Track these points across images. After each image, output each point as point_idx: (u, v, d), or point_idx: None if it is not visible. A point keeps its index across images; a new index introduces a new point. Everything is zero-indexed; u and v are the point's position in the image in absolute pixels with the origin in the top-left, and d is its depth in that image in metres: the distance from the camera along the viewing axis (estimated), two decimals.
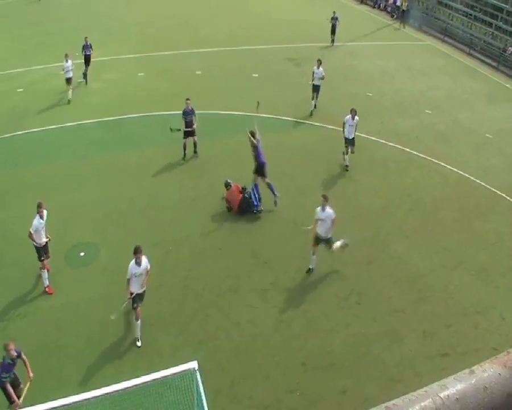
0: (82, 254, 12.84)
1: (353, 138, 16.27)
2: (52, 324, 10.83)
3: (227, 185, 14.44)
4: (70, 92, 20.56)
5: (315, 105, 20.23)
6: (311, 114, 20.16)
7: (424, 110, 21.45)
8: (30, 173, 16.01)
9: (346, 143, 16.36)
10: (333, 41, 28.91)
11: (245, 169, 15.67)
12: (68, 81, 20.44)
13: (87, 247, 13.01)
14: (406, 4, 35.21)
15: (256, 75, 23.76)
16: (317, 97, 20.08)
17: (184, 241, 13.21)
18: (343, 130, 16.24)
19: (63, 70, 20.35)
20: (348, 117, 16.12)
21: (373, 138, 18.62)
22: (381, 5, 39.33)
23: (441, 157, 17.64)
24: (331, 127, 19.05)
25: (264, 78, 23.55)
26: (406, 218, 14.54)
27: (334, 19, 28.67)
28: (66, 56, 20.11)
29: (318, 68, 19.63)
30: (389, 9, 38.60)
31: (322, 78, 19.59)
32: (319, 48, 28.65)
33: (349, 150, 16.40)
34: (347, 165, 16.57)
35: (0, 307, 10.97)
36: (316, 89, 19.97)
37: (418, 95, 23.00)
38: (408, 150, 17.99)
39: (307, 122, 19.46)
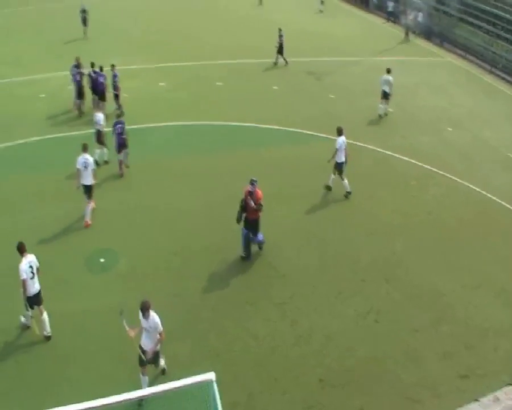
0: (102, 260, 12.94)
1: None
2: (71, 329, 10.90)
3: (253, 182, 12.58)
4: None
5: (383, 113, 21.71)
6: (381, 116, 21.43)
7: (445, 127, 21.33)
8: (51, 178, 16.29)
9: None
10: None
11: (263, 182, 15.73)
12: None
13: (107, 254, 13.12)
14: (411, 18, 35.79)
15: (276, 87, 23.85)
16: (386, 103, 21.55)
17: (202, 251, 13.23)
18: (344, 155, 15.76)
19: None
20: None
21: (393, 154, 18.55)
22: (401, 20, 39.24)
23: (462, 175, 17.50)
24: (351, 141, 18.99)
25: (284, 91, 23.64)
26: (426, 236, 14.41)
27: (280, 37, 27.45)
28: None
29: (386, 74, 21.20)
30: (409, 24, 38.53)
31: (390, 84, 21.07)
32: (340, 62, 28.75)
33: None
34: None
35: (19, 309, 11.02)
36: (385, 95, 21.34)
37: (439, 112, 22.90)
38: (428, 167, 17.88)
39: (325, 135, 19.42)
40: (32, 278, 10.22)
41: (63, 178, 16.18)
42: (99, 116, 17.09)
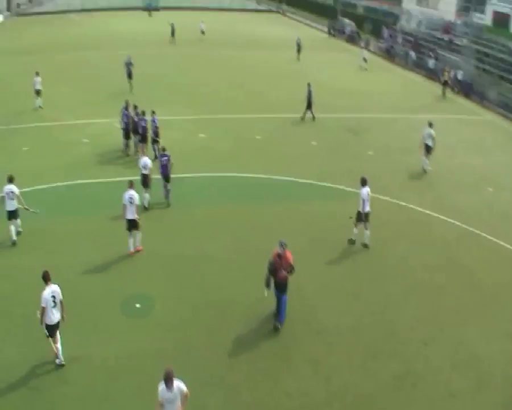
0: (138, 305, 13.14)
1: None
2: (104, 372, 11.05)
3: (282, 244, 12.38)
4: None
5: (426, 166, 21.99)
6: (425, 171, 21.68)
7: (486, 187, 21.07)
8: (92, 220, 16.92)
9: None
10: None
11: (298, 236, 15.84)
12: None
13: (143, 299, 13.33)
14: (447, 74, 35.93)
15: (315, 143, 24.16)
16: (428, 156, 21.88)
17: (236, 303, 13.26)
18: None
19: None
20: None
21: (432, 213, 18.40)
22: (440, 78, 39.45)
23: (504, 237, 17.13)
24: (387, 198, 19.03)
25: (323, 146, 23.91)
26: (465, 298, 14.09)
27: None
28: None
29: (429, 128, 21.69)
30: (450, 83, 38.71)
31: (433, 138, 21.55)
32: (379, 118, 29.02)
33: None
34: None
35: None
36: (427, 148, 21.71)
37: (479, 171, 22.69)
38: (467, 227, 17.62)
39: None
40: (53, 307, 10.64)
41: (104, 221, 16.81)
42: (146, 160, 17.76)
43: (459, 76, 37.48)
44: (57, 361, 11.00)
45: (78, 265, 14.51)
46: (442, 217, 18.24)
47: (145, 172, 17.61)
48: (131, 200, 14.68)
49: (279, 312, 12.45)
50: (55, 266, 14.09)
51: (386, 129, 27.62)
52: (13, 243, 15.30)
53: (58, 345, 10.94)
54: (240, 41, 52.42)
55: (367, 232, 16.04)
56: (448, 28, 46.74)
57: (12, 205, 15.17)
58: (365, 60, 42.42)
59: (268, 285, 12.35)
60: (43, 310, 10.56)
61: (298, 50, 45.05)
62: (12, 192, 15.10)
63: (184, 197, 18.84)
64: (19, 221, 15.68)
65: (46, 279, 10.73)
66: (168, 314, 12.83)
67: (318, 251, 15.79)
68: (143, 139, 21.64)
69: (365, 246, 16.08)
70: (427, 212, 18.48)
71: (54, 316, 10.70)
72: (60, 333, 11.02)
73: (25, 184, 16.29)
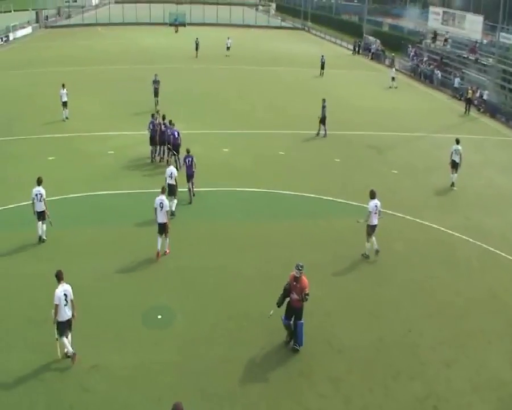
0: (159, 316, 13.20)
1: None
2: (123, 381, 11.07)
3: (299, 267, 11.98)
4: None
5: (453, 182, 22.15)
6: (452, 185, 21.97)
7: (511, 209, 20.75)
8: (116, 231, 17.14)
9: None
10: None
11: (319, 252, 15.77)
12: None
13: (165, 311, 13.38)
14: (472, 92, 36.02)
15: (338, 160, 24.11)
16: (456, 172, 22.00)
17: (257, 319, 13.15)
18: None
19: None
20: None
21: (456, 234, 18.16)
22: (464, 96, 39.09)
23: None
24: (411, 217, 18.87)
25: (346, 164, 23.84)
26: (489, 321, 13.82)
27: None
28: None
29: (456, 144, 21.94)
30: (475, 102, 38.40)
31: (460, 154, 21.72)
32: (403, 137, 28.89)
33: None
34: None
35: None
36: (454, 164, 21.84)
37: (504, 192, 22.37)
38: (493, 249, 17.34)
39: (388, 211, 19.33)
40: (65, 305, 11.12)
41: (128, 231, 17.00)
42: (172, 170, 18.30)
43: (485, 96, 37.17)
44: (69, 352, 11.33)
45: (100, 275, 14.70)
46: (466, 237, 17.99)
47: (171, 181, 17.99)
48: (161, 205, 15.41)
49: (296, 337, 12.19)
50: (77, 274, 14.40)
51: (410, 147, 27.47)
52: (40, 239, 16.05)
53: (69, 338, 11.36)
54: (264, 57, 52.96)
55: (373, 239, 16.15)
56: (474, 47, 46.53)
57: (40, 206, 15.86)
58: (393, 79, 42.42)
59: (279, 305, 12.07)
60: (56, 307, 11.05)
61: (322, 66, 45.32)
62: (40, 193, 15.80)
63: (207, 211, 19.02)
64: (44, 226, 16.12)
65: (59, 278, 11.23)
66: (188, 326, 12.85)
67: (339, 268, 15.70)
68: (171, 148, 22.08)
69: (376, 252, 16.20)
70: (451, 232, 18.26)
71: (66, 314, 11.17)
72: (71, 331, 11.39)
73: (50, 193, 16.57)
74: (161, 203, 15.44)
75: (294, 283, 11.89)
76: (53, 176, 17.95)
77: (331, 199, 17.69)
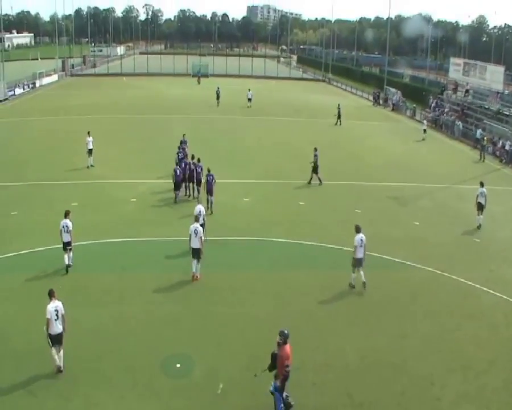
0: (178, 365, 13.11)
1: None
2: None
3: (283, 335, 10.86)
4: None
5: (479, 224, 22.80)
6: (479, 227, 22.61)
7: None
8: (134, 278, 17.32)
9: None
10: None
11: (336, 304, 15.67)
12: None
13: (184, 359, 13.28)
14: (487, 139, 37.47)
15: (359, 211, 24.05)
16: (481, 214, 22.70)
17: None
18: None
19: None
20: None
21: (479, 287, 17.83)
22: (489, 149, 39.07)
23: None
24: (432, 269, 18.64)
25: (367, 215, 23.67)
26: None
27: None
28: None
29: (481, 187, 22.79)
30: (497, 153, 38.33)
31: (485, 196, 22.58)
32: (425, 188, 28.84)
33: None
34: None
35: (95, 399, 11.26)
36: (480, 206, 22.55)
37: None
38: None
39: (409, 263, 19.18)
40: (56, 320, 12.17)
41: (147, 280, 17.02)
42: (200, 208, 19.08)
43: (507, 146, 37.09)
44: (58, 367, 12.24)
45: (121, 320, 14.78)
46: (489, 290, 17.65)
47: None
48: (195, 232, 16.88)
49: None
50: (97, 318, 14.46)
51: (432, 198, 27.37)
52: (67, 268, 17.21)
53: (61, 354, 12.28)
54: (285, 108, 53.83)
55: (361, 272, 16.89)
56: (495, 97, 46.72)
57: (67, 237, 17.16)
58: (425, 131, 42.88)
59: (270, 370, 11.20)
60: (48, 321, 12.07)
61: (339, 116, 45.96)
62: (67, 225, 17.10)
63: (227, 259, 19.09)
64: (71, 253, 17.40)
65: (51, 295, 12.34)
66: (207, 375, 12.71)
67: (363, 321, 15.46)
68: (199, 183, 23.89)
69: (364, 284, 16.86)
70: (474, 284, 17.94)
71: (57, 327, 12.20)
72: (61, 345, 12.25)
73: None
74: (195, 230, 16.91)
75: (278, 350, 10.84)
76: (74, 221, 18.12)
77: (351, 249, 17.57)
